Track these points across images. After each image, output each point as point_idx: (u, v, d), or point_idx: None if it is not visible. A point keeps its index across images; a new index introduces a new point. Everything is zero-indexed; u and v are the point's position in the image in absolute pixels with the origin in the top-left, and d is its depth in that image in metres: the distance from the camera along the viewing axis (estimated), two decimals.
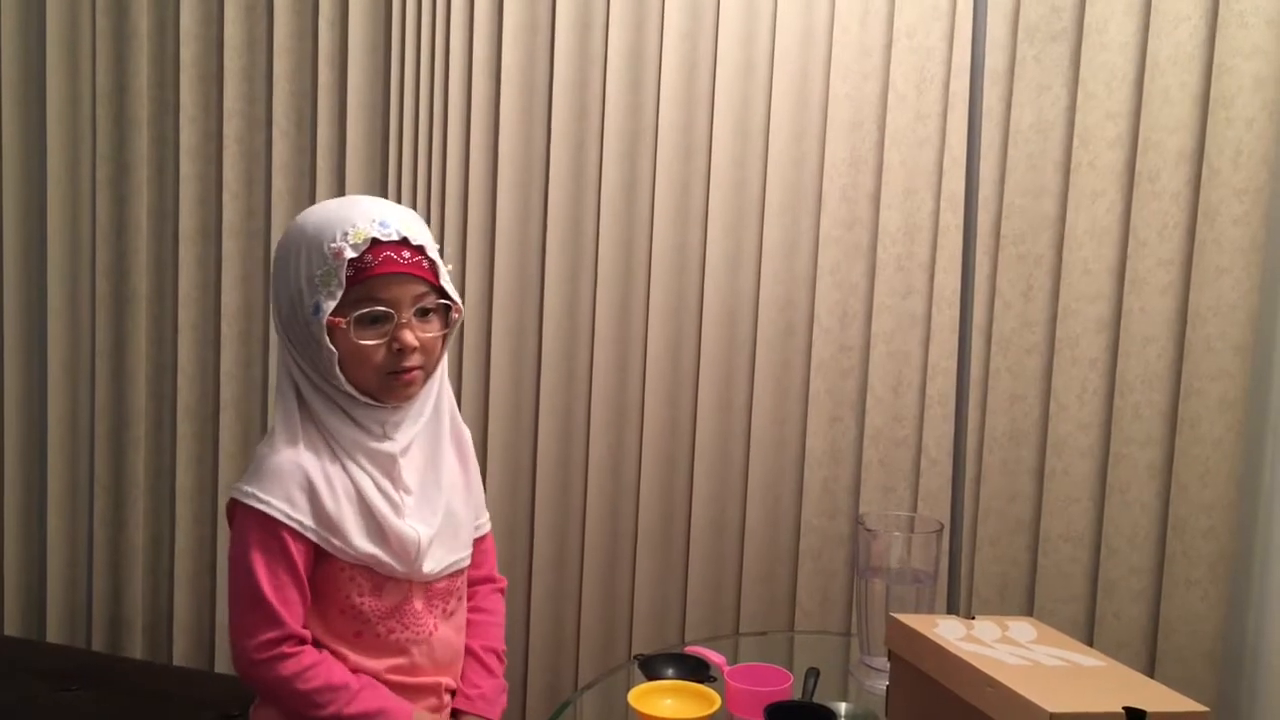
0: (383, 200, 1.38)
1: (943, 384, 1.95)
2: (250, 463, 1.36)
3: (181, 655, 2.43)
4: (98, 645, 2.50)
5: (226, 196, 2.34)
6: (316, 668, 1.33)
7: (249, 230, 2.36)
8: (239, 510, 1.35)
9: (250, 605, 1.32)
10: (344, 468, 1.36)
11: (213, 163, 2.37)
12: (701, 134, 2.06)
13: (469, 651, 1.49)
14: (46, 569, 2.51)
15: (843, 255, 2.00)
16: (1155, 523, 1.85)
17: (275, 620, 1.32)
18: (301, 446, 1.35)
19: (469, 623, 1.51)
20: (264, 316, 2.35)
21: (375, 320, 1.33)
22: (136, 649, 2.48)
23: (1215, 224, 1.77)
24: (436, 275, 1.37)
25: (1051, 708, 1.23)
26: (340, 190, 2.25)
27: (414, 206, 2.20)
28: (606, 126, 2.08)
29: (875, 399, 2.00)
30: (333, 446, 1.36)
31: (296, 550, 1.33)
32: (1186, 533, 1.83)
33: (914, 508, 1.98)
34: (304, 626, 1.35)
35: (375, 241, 1.31)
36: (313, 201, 2.27)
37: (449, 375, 2.05)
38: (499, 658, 1.53)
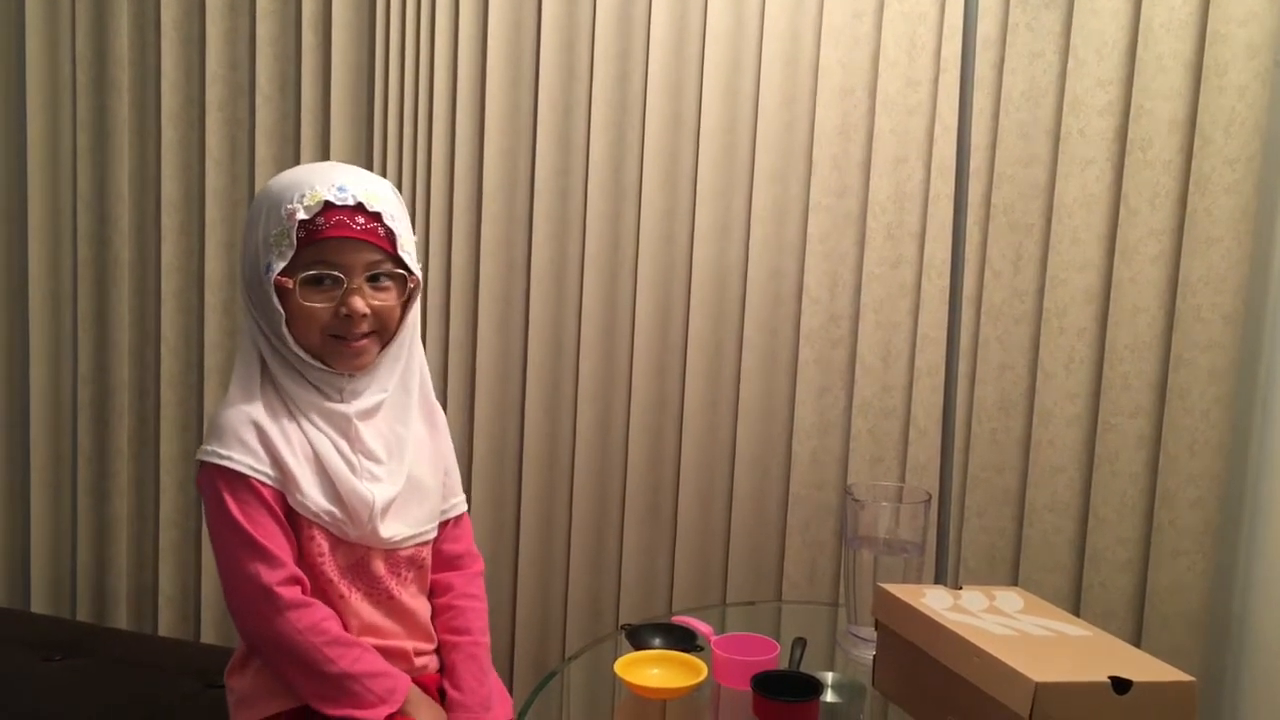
0: (356, 169, 1.38)
1: (932, 354, 1.94)
2: (210, 421, 1.37)
3: (167, 626, 2.42)
4: (83, 616, 2.49)
5: (209, 163, 2.31)
6: (328, 622, 1.33)
7: (232, 197, 2.33)
8: (205, 471, 1.35)
9: (242, 555, 1.32)
10: (300, 426, 1.37)
11: (195, 128, 2.34)
12: (691, 100, 2.04)
13: (459, 649, 1.47)
14: (30, 539, 2.49)
15: (832, 224, 1.99)
16: (1143, 493, 1.85)
17: (272, 559, 1.31)
18: (259, 403, 1.35)
19: (460, 610, 1.49)
20: (199, 300, 2.35)
21: (322, 282, 1.33)
22: (122, 620, 2.46)
23: (1207, 193, 1.76)
24: (394, 244, 1.36)
25: (1038, 677, 1.22)
26: (325, 157, 2.23)
27: (399, 172, 2.18)
28: (595, 93, 2.06)
29: (864, 369, 1.99)
30: (289, 406, 1.37)
31: (269, 495, 1.33)
32: (1174, 503, 1.82)
33: (902, 478, 1.98)
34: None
35: (328, 205, 1.31)
36: None
37: (436, 347, 2.06)
38: (487, 651, 1.50)
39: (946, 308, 1.89)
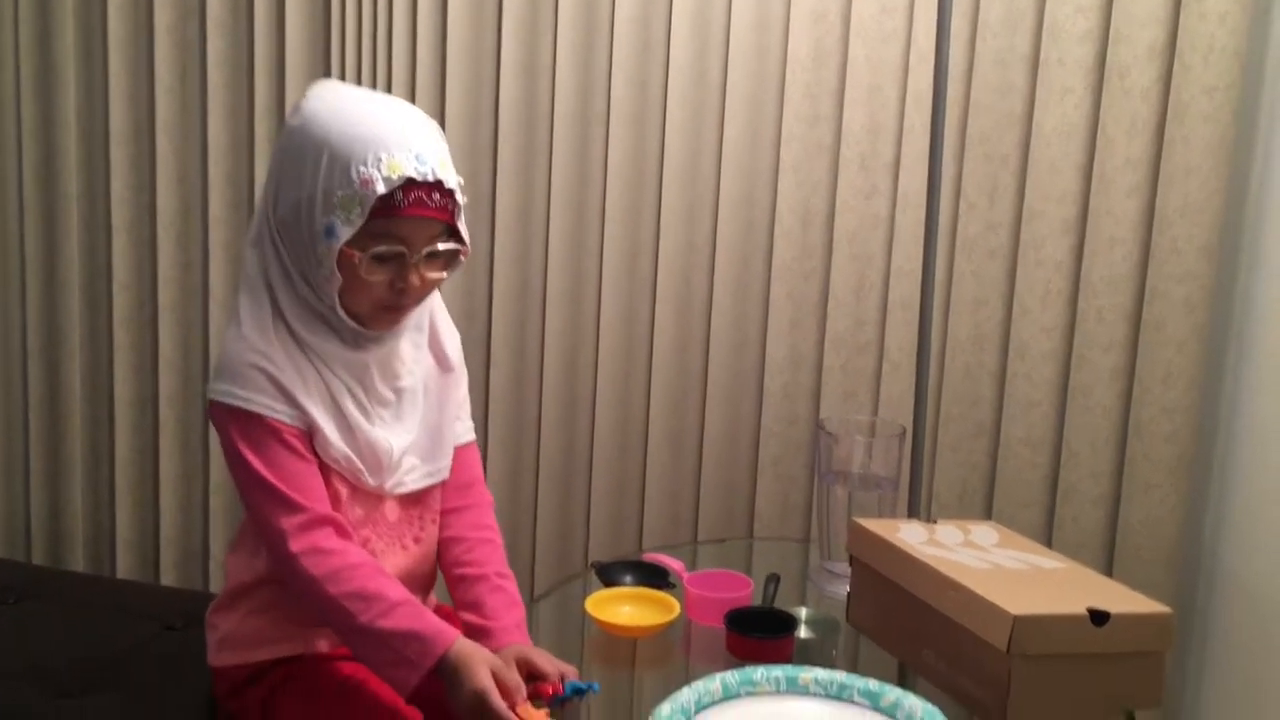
0: (413, 117, 1.28)
1: (906, 287, 1.91)
2: (219, 359, 1.30)
3: (125, 569, 2.37)
4: (38, 561, 2.43)
5: (159, 91, 2.21)
6: (353, 570, 1.26)
7: (184, 127, 2.24)
8: (220, 412, 1.29)
9: (260, 498, 1.27)
10: (318, 371, 1.31)
11: (144, 55, 2.24)
12: (660, 25, 1.97)
13: (486, 579, 1.40)
14: None
15: (805, 153, 1.94)
16: (1116, 427, 1.84)
17: (290, 503, 1.26)
18: (275, 344, 1.29)
19: (477, 543, 1.44)
20: (202, 218, 2.24)
21: (386, 259, 1.26)
22: (79, 564, 2.41)
23: (1185, 122, 1.73)
24: (455, 216, 1.30)
25: (1016, 610, 1.21)
26: (279, 84, 2.14)
27: None
28: (560, 18, 1.98)
29: (837, 303, 1.95)
30: (305, 351, 1.31)
31: (291, 435, 1.28)
32: (1147, 437, 1.81)
33: (875, 413, 1.96)
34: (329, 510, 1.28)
35: (409, 181, 1.23)
36: (251, 98, 2.17)
37: None
38: (513, 583, 1.43)
39: (920, 241, 1.86)
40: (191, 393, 2.31)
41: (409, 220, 1.25)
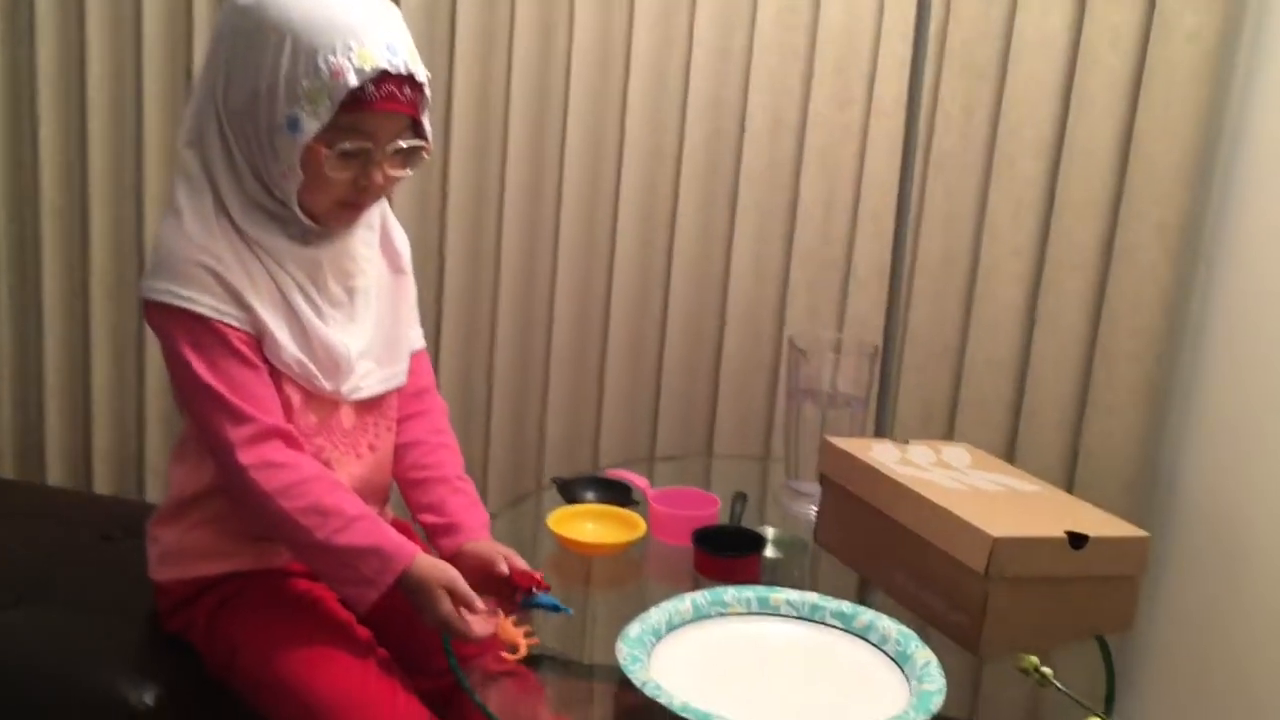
0: (377, 1, 1.19)
1: (876, 202, 1.86)
2: (157, 254, 1.20)
3: (57, 478, 2.27)
4: None
5: None
6: (307, 484, 1.20)
7: (115, 13, 2.10)
8: (160, 314, 1.20)
9: (208, 408, 1.19)
10: (266, 269, 1.22)
11: None
12: None
13: (446, 481, 1.36)
14: None
15: (778, 58, 1.86)
16: (1083, 350, 1.82)
17: (237, 413, 1.18)
18: (220, 239, 1.20)
19: (435, 446, 1.40)
20: (135, 111, 2.10)
21: (353, 155, 1.18)
22: (7, 469, 2.31)
23: (1170, 38, 1.68)
24: (421, 111, 1.22)
25: (995, 532, 1.19)
26: None
27: None
28: None
29: (806, 216, 1.89)
30: (252, 247, 1.22)
31: (238, 339, 1.20)
32: (1112, 360, 1.80)
33: (840, 331, 1.91)
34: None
35: (383, 73, 1.14)
36: None
37: None
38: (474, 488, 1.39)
39: (893, 154, 1.81)
40: (126, 291, 2.19)
41: (379, 115, 1.17)
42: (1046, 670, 1.01)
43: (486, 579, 1.23)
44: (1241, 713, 1.46)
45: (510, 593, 1.23)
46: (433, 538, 1.32)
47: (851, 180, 1.88)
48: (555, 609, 1.22)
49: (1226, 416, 1.64)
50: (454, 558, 1.26)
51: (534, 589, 1.21)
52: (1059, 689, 1.01)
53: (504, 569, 1.23)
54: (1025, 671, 1.02)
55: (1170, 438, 1.82)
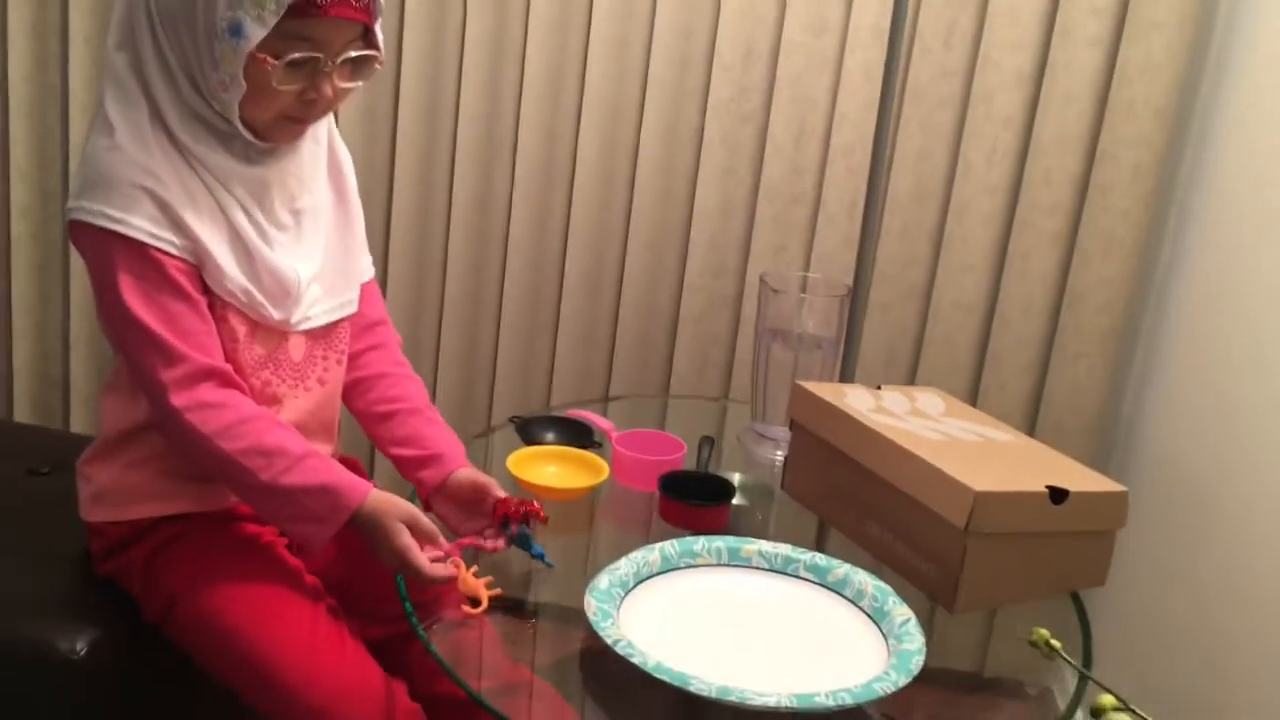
0: None
1: (848, 134, 1.79)
2: (85, 171, 1.10)
3: None
4: None
5: None
6: (247, 424, 1.12)
7: None
8: (88, 236, 1.09)
9: (139, 344, 1.10)
10: (208, 189, 1.13)
11: None
12: None
13: (418, 412, 1.30)
14: None
15: None
16: (1052, 294, 1.79)
17: (170, 352, 1.10)
18: (157, 155, 1.10)
19: (401, 378, 1.33)
20: (61, 4, 1.95)
21: (301, 64, 1.08)
22: None
23: None
24: (374, 18, 1.12)
25: (977, 486, 1.15)
26: None
27: None
28: None
29: (775, 148, 1.82)
30: (192, 164, 1.12)
31: (176, 269, 1.10)
32: (1081, 305, 1.77)
33: (806, 268, 1.86)
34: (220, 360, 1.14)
35: None
36: None
37: None
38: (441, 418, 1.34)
39: (867, 85, 1.75)
40: (50, 202, 2.06)
41: (329, 22, 1.07)
42: (1056, 644, 0.98)
43: (474, 510, 1.20)
44: (1198, 659, 1.46)
45: (500, 523, 1.17)
46: (411, 470, 1.26)
47: (824, 112, 1.81)
48: (541, 558, 1.16)
49: (1189, 364, 1.62)
50: (440, 488, 1.22)
51: (529, 520, 1.16)
52: (1068, 662, 0.98)
53: (501, 493, 1.19)
54: (1034, 645, 0.99)
55: (1132, 384, 1.80)
